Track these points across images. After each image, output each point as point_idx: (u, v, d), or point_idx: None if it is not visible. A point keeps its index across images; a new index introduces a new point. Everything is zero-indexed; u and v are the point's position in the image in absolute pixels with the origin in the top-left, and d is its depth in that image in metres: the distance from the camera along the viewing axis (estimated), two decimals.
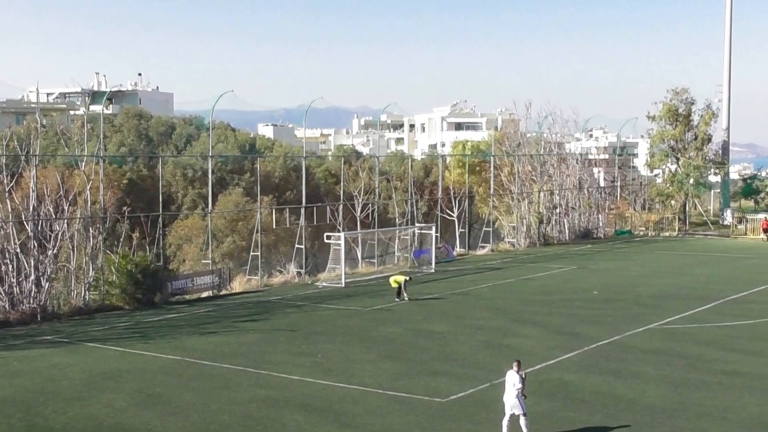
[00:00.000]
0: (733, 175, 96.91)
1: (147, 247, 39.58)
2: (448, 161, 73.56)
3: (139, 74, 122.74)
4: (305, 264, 47.89)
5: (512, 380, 18.88)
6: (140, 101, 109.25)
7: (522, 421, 18.72)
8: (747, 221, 71.72)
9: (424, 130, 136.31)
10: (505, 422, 18.88)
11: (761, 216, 73.64)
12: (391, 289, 38.41)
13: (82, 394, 22.81)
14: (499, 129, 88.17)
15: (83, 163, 39.45)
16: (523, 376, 18.98)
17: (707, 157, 75.91)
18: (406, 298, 37.90)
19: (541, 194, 66.31)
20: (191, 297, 40.30)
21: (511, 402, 18.80)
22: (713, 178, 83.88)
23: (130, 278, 36.90)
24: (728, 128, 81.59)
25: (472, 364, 25.80)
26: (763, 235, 65.42)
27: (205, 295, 40.99)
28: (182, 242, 55.50)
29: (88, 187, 37.86)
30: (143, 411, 21.16)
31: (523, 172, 66.17)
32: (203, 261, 46.53)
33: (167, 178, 64.78)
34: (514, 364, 19.14)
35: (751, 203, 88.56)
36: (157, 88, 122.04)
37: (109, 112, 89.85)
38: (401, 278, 38.67)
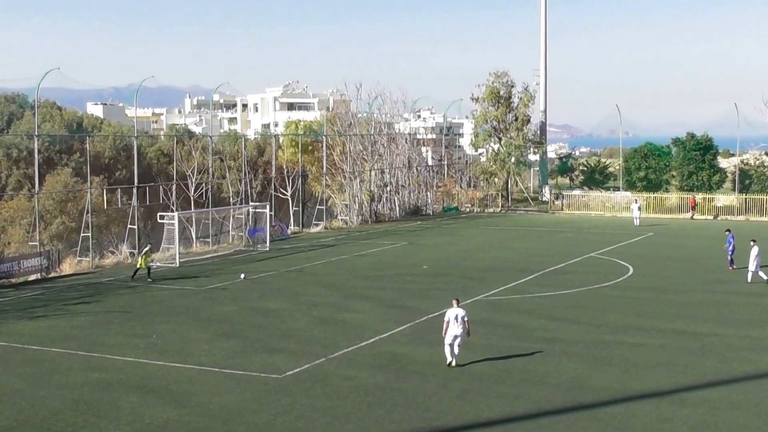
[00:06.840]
0: (551, 154, 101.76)
1: None
2: (281, 141, 73.74)
3: None
4: (138, 244, 47.07)
5: (460, 314, 22.74)
6: None
7: (457, 350, 22.67)
8: (563, 197, 75.73)
9: (257, 110, 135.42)
10: (447, 350, 22.79)
11: (576, 192, 78.01)
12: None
13: None
14: (330, 109, 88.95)
15: None
16: None
17: (527, 137, 79.51)
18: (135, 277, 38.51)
19: (373, 173, 67.75)
20: (17, 280, 38.89)
21: (458, 332, 22.56)
22: (532, 157, 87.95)
23: None
24: (545, 110, 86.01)
25: (308, 340, 26.33)
26: (691, 212, 67.12)
27: (32, 278, 39.63)
28: (6, 224, 53.20)
29: None
30: None
31: (354, 151, 67.36)
32: (30, 243, 44.93)
33: None
34: (454, 301, 23.26)
35: (567, 180, 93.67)
36: None
37: None
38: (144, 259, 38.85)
